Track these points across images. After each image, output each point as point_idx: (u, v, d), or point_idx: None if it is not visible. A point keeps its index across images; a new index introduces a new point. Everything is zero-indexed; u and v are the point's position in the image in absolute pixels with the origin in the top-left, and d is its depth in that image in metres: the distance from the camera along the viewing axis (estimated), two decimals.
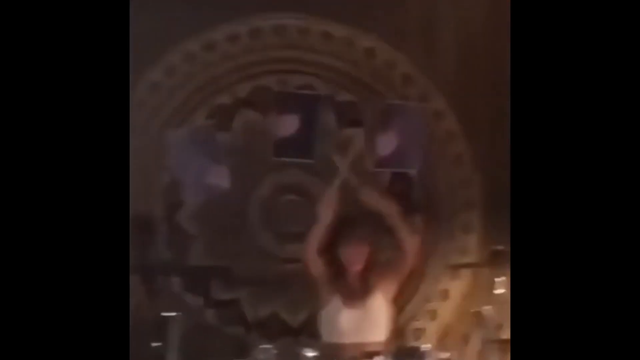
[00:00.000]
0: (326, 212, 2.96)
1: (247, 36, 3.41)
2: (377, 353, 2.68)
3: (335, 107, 3.38)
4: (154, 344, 2.83)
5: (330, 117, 3.35)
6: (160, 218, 3.37)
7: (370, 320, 2.90)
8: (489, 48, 3.36)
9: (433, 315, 3.39)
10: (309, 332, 3.23)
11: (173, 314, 2.89)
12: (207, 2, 3.37)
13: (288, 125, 3.10)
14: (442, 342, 3.21)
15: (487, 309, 2.89)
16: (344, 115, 3.41)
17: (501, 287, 2.86)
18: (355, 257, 2.90)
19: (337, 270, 2.93)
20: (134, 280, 2.88)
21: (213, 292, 3.35)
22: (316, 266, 2.94)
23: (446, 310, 3.39)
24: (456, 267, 3.40)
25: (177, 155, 3.18)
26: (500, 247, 2.87)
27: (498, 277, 2.89)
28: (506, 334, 2.68)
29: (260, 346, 2.80)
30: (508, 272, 2.58)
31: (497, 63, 3.22)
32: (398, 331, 3.10)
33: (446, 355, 2.76)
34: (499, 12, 3.15)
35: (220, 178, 3.15)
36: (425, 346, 2.83)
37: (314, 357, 2.72)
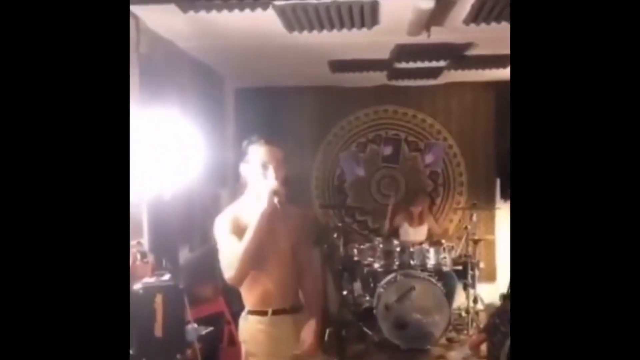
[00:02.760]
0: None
1: None
2: (422, 242, 6.71)
3: (407, 143, 7.55)
4: None
5: (404, 147, 7.59)
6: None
7: (420, 232, 7.03)
8: None
9: (445, 230, 7.57)
10: (395, 235, 6.91)
11: None
12: None
13: (387, 149, 7.46)
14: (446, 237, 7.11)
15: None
16: (411, 146, 7.58)
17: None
18: (417, 207, 7.08)
19: (409, 212, 7.06)
20: None
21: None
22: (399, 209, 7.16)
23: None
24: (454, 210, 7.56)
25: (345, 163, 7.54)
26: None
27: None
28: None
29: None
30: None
31: None
32: (430, 235, 7.13)
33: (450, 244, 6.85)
34: None
35: (359, 171, 7.53)
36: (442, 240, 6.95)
37: (397, 244, 6.67)
